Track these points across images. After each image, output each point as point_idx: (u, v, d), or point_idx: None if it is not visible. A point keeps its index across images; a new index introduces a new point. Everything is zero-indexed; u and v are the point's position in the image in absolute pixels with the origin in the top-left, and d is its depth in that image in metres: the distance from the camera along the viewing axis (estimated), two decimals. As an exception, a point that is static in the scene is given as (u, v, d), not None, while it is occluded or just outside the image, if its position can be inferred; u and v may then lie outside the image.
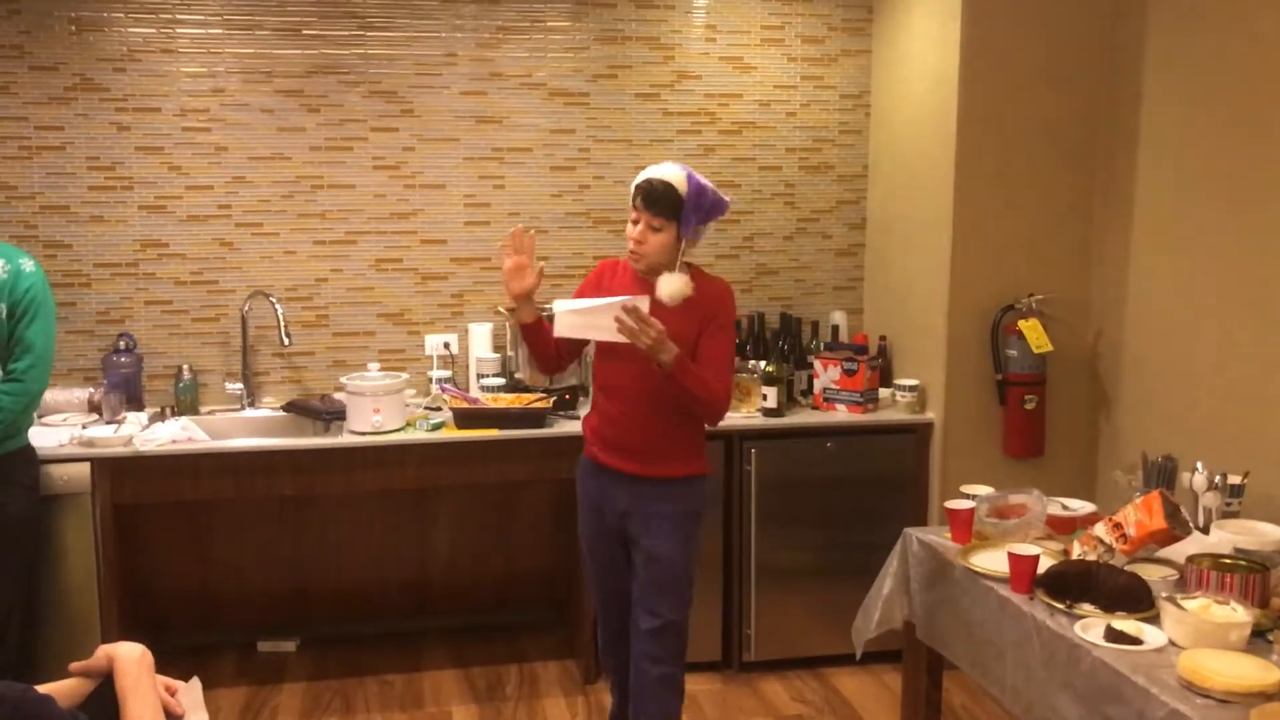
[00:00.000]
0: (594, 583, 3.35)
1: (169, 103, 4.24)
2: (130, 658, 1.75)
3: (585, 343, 3.28)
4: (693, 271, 3.09)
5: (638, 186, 3.02)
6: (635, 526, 3.12)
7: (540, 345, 3.23)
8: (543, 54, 4.46)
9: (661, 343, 2.88)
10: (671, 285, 2.99)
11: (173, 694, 1.83)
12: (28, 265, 3.33)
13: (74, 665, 1.79)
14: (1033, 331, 3.98)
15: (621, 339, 2.89)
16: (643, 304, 2.88)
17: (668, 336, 2.90)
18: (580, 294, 3.23)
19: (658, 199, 2.97)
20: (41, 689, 1.58)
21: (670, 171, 3.01)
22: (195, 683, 1.88)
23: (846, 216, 4.80)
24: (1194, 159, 3.63)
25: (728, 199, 3.10)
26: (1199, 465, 3.09)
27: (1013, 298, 4.08)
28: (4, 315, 3.27)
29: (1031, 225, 4.09)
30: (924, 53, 4.22)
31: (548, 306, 3.23)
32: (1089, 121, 4.08)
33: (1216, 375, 3.54)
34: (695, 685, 4.12)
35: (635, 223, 3.03)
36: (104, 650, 1.78)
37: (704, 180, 3.04)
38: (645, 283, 3.08)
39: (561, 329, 3.06)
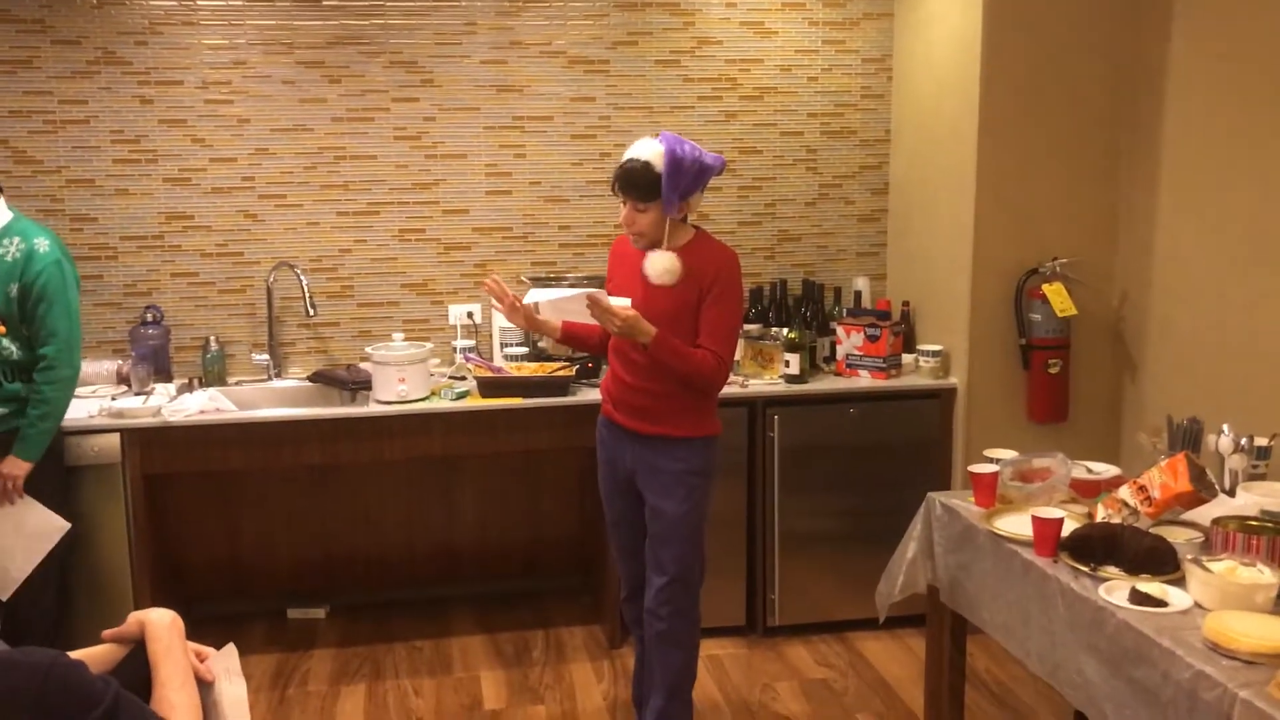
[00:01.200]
0: (611, 536, 3.45)
1: (191, 75, 4.25)
2: (161, 623, 1.78)
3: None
4: (696, 239, 3.13)
5: (615, 173, 3.07)
6: (641, 481, 3.22)
7: (585, 342, 3.41)
8: (562, 22, 4.44)
9: (632, 327, 2.97)
10: (657, 265, 3.04)
11: (203, 660, 1.85)
12: (42, 245, 3.32)
13: (106, 632, 1.82)
14: (1057, 295, 3.96)
15: (588, 320, 3.08)
16: (617, 301, 3.00)
17: (664, 309, 3.02)
18: (609, 270, 3.34)
19: (633, 183, 3.01)
20: (74, 654, 1.60)
21: (647, 150, 3.01)
22: (231, 649, 1.90)
23: (869, 182, 4.77)
24: (1221, 120, 3.58)
25: (715, 160, 3.05)
26: (1225, 428, 3.07)
27: (1036, 261, 4.06)
28: (15, 295, 3.28)
29: (1056, 189, 4.06)
30: (946, 15, 4.18)
31: (525, 279, 3.38)
32: (1115, 83, 4.03)
33: (1243, 337, 3.51)
34: (720, 649, 4.15)
35: (624, 204, 3.09)
36: (135, 616, 1.81)
37: (685, 149, 2.98)
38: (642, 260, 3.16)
39: (548, 312, 3.35)
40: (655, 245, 3.08)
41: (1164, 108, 3.85)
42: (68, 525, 3.45)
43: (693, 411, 3.16)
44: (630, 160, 3.02)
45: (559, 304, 3.24)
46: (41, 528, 3.40)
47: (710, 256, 3.10)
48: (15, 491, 3.33)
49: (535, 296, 3.21)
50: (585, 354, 4.08)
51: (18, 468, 3.32)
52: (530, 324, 3.32)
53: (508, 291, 3.24)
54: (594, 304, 2.98)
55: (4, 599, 3.37)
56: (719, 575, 4.11)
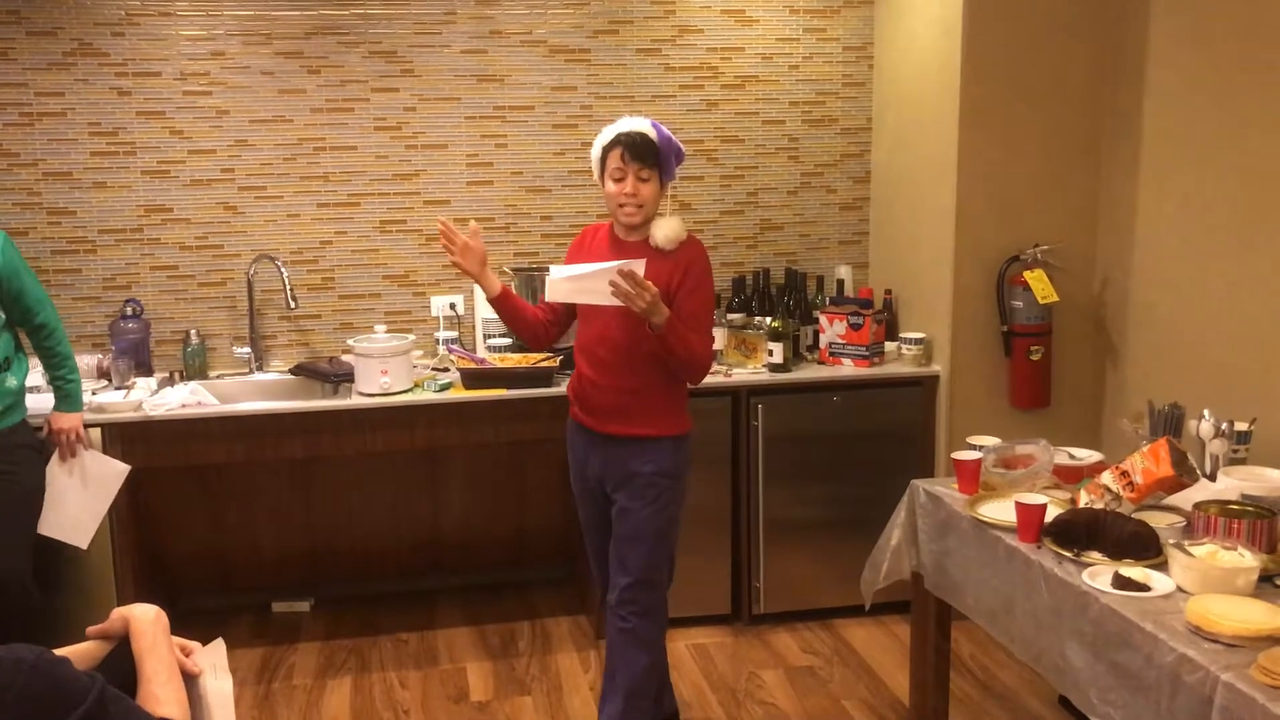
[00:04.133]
0: (586, 539, 3.41)
1: (169, 66, 4.22)
2: (145, 619, 1.77)
3: (574, 315, 3.29)
4: None
5: (618, 142, 3.04)
6: (610, 485, 3.18)
7: (516, 318, 3.25)
8: (543, 10, 4.42)
9: (656, 305, 2.90)
10: (668, 228, 3.07)
11: (188, 654, 1.85)
12: None
13: (90, 629, 1.81)
14: (1038, 282, 3.97)
15: (615, 303, 2.91)
16: (638, 267, 2.89)
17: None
18: (568, 253, 3.28)
19: (641, 150, 3.01)
20: (58, 651, 1.59)
21: (638, 123, 3.07)
22: (219, 644, 1.90)
23: (851, 170, 4.77)
24: (1201, 106, 3.60)
25: (681, 148, 3.17)
26: (1206, 412, 3.09)
27: (1018, 249, 4.07)
28: None
29: (1037, 176, 4.07)
30: (927, 2, 4.18)
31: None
32: (1095, 70, 4.04)
33: (1223, 323, 3.53)
34: (705, 638, 4.16)
35: (619, 180, 3.05)
36: (119, 612, 1.79)
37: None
38: (624, 245, 3.12)
39: (554, 294, 3.07)
40: (648, 222, 3.10)
41: (1144, 94, 3.87)
42: (128, 468, 3.62)
43: (667, 410, 3.14)
44: (630, 131, 3.04)
45: (582, 281, 2.97)
46: (105, 474, 3.58)
47: (684, 248, 3.12)
48: (80, 442, 3.52)
49: (560, 273, 3.02)
50: (567, 346, 4.02)
51: (74, 420, 3.51)
52: (478, 270, 3.13)
53: (458, 235, 3.11)
54: (628, 277, 2.85)
55: (84, 547, 3.57)
56: (704, 564, 4.12)
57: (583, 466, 3.27)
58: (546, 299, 3.15)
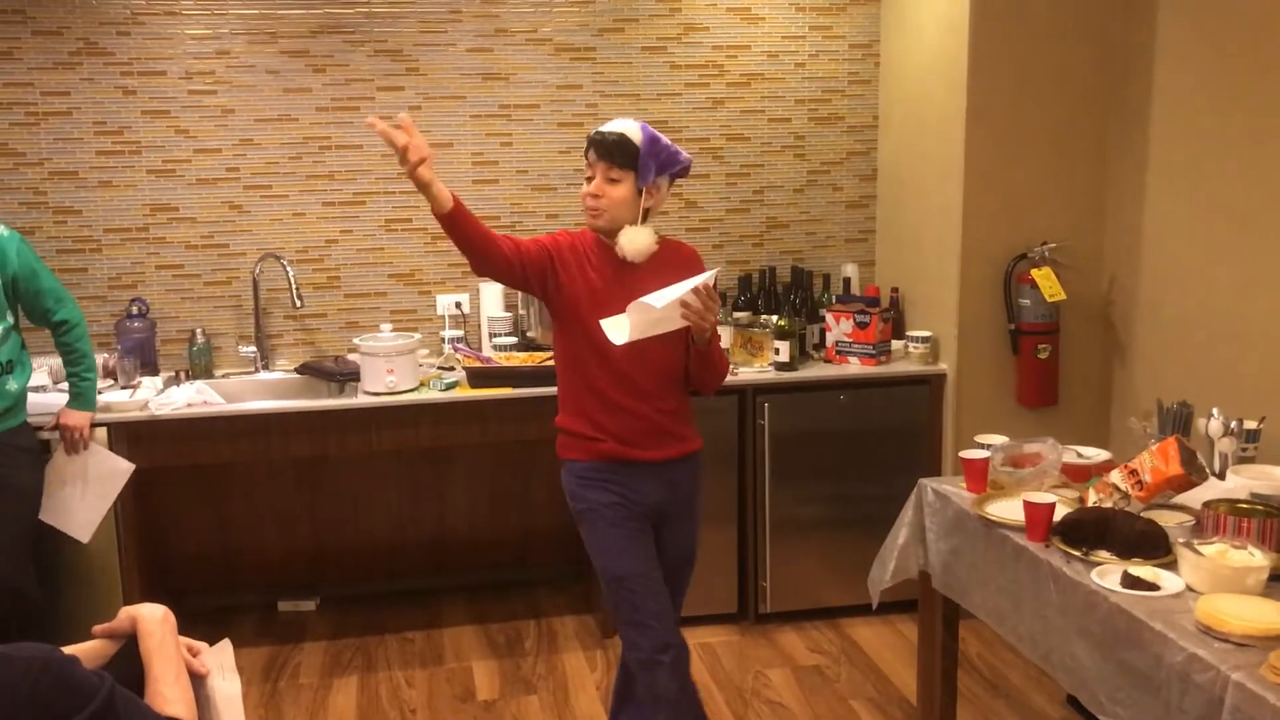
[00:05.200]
0: (642, 590, 2.85)
1: (174, 65, 4.22)
2: (153, 618, 1.76)
3: (539, 268, 2.82)
4: (661, 238, 2.90)
5: (589, 140, 2.83)
6: (669, 510, 2.93)
7: (472, 234, 2.72)
8: (548, 8, 4.42)
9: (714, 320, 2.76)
10: (636, 239, 2.79)
11: (195, 655, 1.84)
12: (1, 229, 3.35)
13: (97, 628, 1.81)
14: (1046, 280, 3.96)
15: (677, 326, 2.69)
16: (710, 279, 2.68)
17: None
18: (540, 251, 2.83)
19: (611, 148, 2.77)
20: (67, 650, 1.59)
21: (622, 124, 2.83)
22: (226, 645, 1.89)
23: (857, 168, 4.76)
24: (1209, 102, 3.59)
25: (687, 156, 2.88)
26: (1215, 411, 3.08)
27: (1025, 246, 4.06)
28: (9, 282, 3.31)
29: (1044, 173, 4.06)
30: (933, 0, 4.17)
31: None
32: (1102, 66, 4.03)
33: (1232, 320, 3.52)
34: (712, 637, 4.16)
35: (590, 179, 2.82)
36: (127, 612, 1.79)
37: (658, 134, 2.84)
38: (621, 262, 2.82)
39: (622, 337, 2.65)
40: (613, 228, 2.81)
41: (1152, 91, 3.85)
42: (133, 466, 3.64)
43: (693, 420, 3.01)
44: (605, 130, 2.82)
45: (655, 314, 2.61)
46: (109, 471, 3.61)
47: (681, 250, 2.97)
48: (84, 440, 3.54)
49: (650, 302, 2.58)
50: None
51: (81, 419, 3.52)
52: (426, 173, 2.60)
53: (396, 133, 2.58)
54: (704, 293, 2.63)
55: (85, 541, 3.61)
56: (710, 563, 4.11)
57: (632, 504, 2.87)
58: (616, 342, 2.66)
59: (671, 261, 2.88)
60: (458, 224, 2.69)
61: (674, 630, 2.87)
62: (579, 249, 2.87)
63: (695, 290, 2.63)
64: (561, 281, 2.83)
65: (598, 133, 2.83)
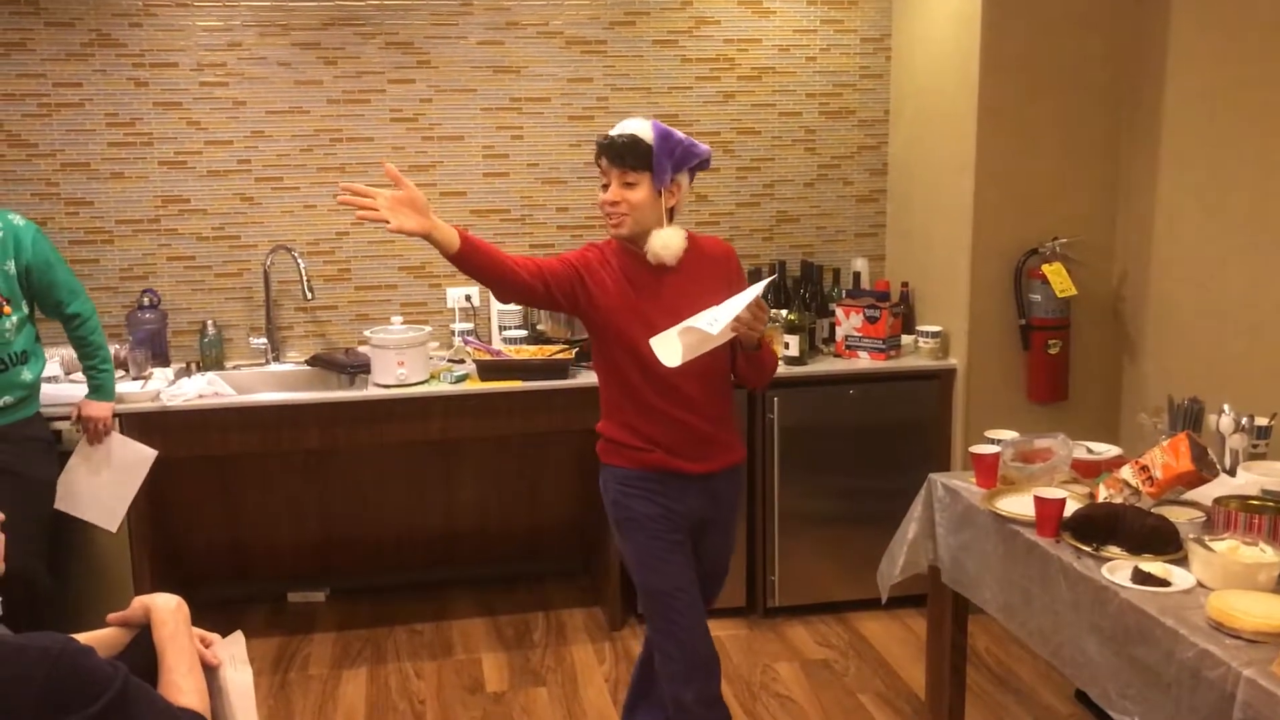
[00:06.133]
0: (679, 606, 2.79)
1: (186, 57, 4.22)
2: (167, 608, 1.78)
3: (565, 291, 2.76)
4: (691, 235, 2.81)
5: (599, 146, 2.73)
6: (709, 524, 2.89)
7: (486, 265, 2.63)
8: (559, 2, 4.42)
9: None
10: (670, 242, 2.70)
11: (207, 645, 1.85)
12: (18, 220, 3.36)
13: (111, 616, 1.82)
14: (1056, 275, 3.95)
15: (727, 339, 2.61)
16: (761, 288, 2.59)
17: (707, 304, 2.61)
18: (567, 269, 2.74)
19: (622, 151, 2.67)
20: (80, 638, 1.60)
21: (631, 124, 2.73)
22: (238, 636, 1.90)
23: (868, 162, 4.75)
24: (1222, 98, 3.57)
25: (705, 147, 2.78)
26: (1225, 407, 3.07)
27: (1036, 241, 4.05)
28: (14, 272, 3.31)
29: (1055, 168, 4.05)
30: (946, -7, 4.16)
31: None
32: (1115, 61, 4.02)
33: (1243, 317, 3.51)
34: (720, 631, 4.16)
35: (605, 186, 2.72)
36: (140, 601, 1.80)
37: (671, 128, 2.75)
38: (653, 267, 2.74)
39: (675, 359, 2.55)
40: (638, 234, 2.72)
41: (1164, 86, 3.84)
42: (155, 452, 3.66)
43: (737, 424, 2.96)
44: (613, 133, 2.73)
45: (706, 338, 2.53)
46: (133, 459, 3.64)
47: (717, 246, 2.88)
48: (106, 431, 3.57)
49: (703, 328, 2.50)
50: (583, 338, 3.89)
51: (104, 410, 3.54)
52: (426, 225, 2.55)
53: (376, 194, 2.53)
54: (755, 305, 2.56)
55: (114, 530, 3.65)
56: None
57: (674, 517, 2.79)
58: (669, 364, 2.55)
59: (704, 259, 2.80)
60: (469, 260, 2.60)
61: (709, 645, 2.82)
62: (608, 261, 2.78)
63: (753, 305, 2.55)
64: (593, 296, 2.74)
65: (606, 137, 2.73)
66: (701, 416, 2.78)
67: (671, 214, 2.75)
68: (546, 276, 2.71)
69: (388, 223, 2.50)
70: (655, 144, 2.68)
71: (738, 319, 2.53)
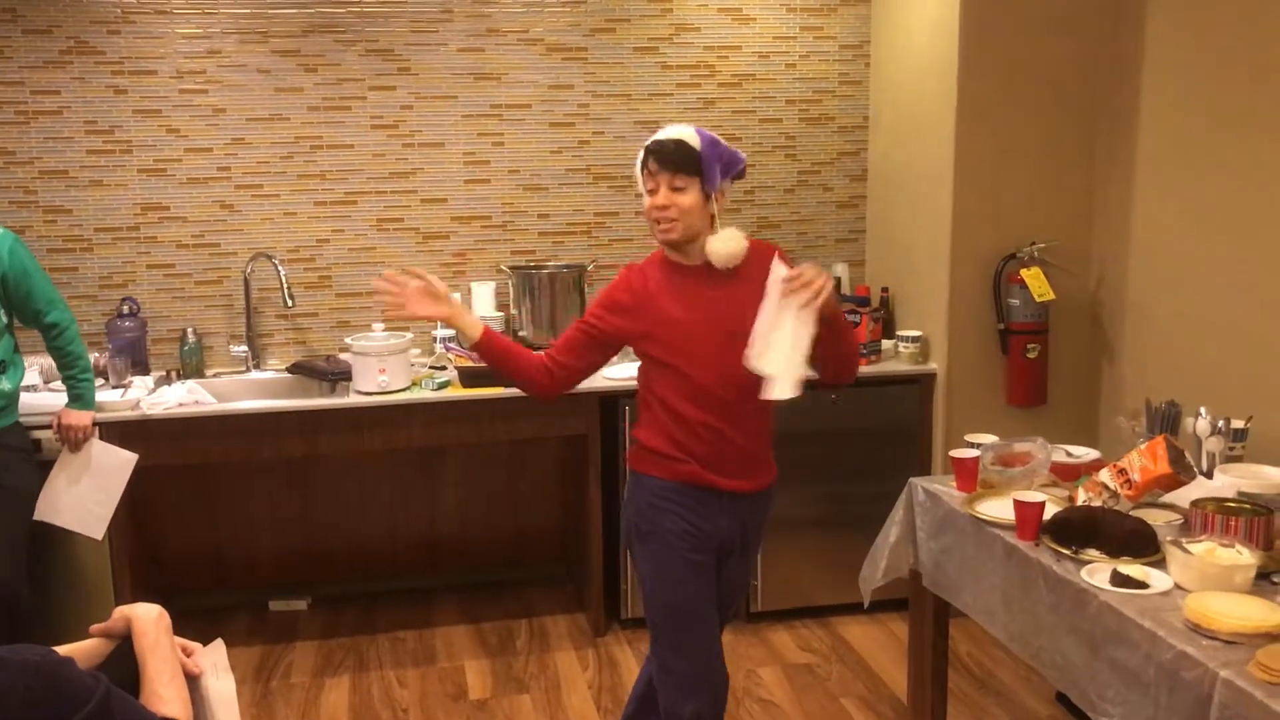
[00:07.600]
0: (694, 630, 2.75)
1: (165, 65, 4.21)
2: (148, 618, 1.77)
3: (594, 365, 2.81)
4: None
5: (647, 150, 2.67)
6: (736, 546, 2.82)
7: (512, 363, 2.73)
8: (539, 9, 4.42)
9: (828, 287, 2.53)
10: (729, 243, 2.66)
11: (189, 655, 1.85)
12: None
13: (93, 627, 1.81)
14: (1035, 280, 3.98)
15: (810, 325, 2.50)
16: (780, 270, 2.52)
17: (758, 305, 2.55)
18: (611, 305, 2.74)
19: (672, 156, 2.62)
20: (61, 650, 1.59)
21: (676, 129, 2.68)
22: (219, 644, 1.90)
23: (847, 168, 4.78)
24: (1198, 104, 3.61)
25: (743, 155, 2.77)
26: (1202, 410, 3.10)
27: (1015, 246, 4.08)
28: (1, 281, 3.29)
29: (1033, 174, 4.08)
30: (924, 1, 4.18)
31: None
32: (1092, 68, 4.05)
33: (1219, 320, 3.54)
34: (704, 637, 4.16)
35: (653, 192, 2.66)
36: (121, 611, 1.79)
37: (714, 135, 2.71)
38: (688, 272, 2.71)
39: (785, 391, 2.51)
40: (688, 240, 2.68)
41: (1141, 93, 3.88)
42: (136, 456, 3.64)
43: (773, 441, 2.86)
44: (662, 138, 2.67)
45: (784, 337, 2.49)
46: (114, 463, 3.62)
47: (765, 246, 2.77)
48: (87, 439, 3.55)
49: (769, 345, 2.47)
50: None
51: (83, 418, 3.53)
52: (448, 310, 2.73)
53: (405, 281, 2.74)
54: (795, 275, 2.48)
55: (99, 538, 3.62)
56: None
57: (701, 536, 2.72)
58: (784, 398, 2.52)
59: (752, 263, 2.70)
60: (485, 353, 2.72)
61: (721, 667, 2.78)
62: (648, 287, 2.72)
63: (785, 280, 2.48)
64: (638, 339, 2.72)
65: (655, 141, 2.67)
66: (741, 429, 2.71)
67: (713, 221, 2.71)
68: (563, 365, 2.75)
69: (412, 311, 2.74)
70: (703, 150, 2.65)
71: (792, 293, 2.46)
